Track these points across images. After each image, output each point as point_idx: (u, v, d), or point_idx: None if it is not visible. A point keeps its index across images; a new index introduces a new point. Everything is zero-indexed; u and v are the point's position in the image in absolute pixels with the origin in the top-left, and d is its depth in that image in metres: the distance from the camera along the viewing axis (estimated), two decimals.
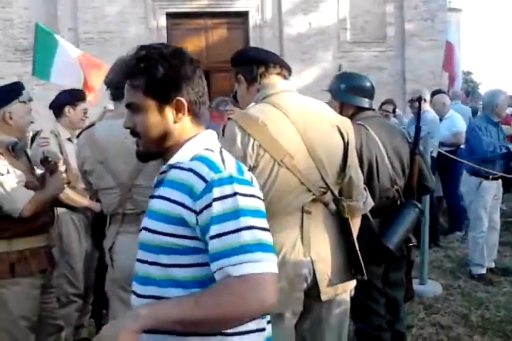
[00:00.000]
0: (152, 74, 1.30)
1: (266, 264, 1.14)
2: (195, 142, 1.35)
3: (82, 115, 3.44)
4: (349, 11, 11.40)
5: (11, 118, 2.53)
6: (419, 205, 2.68)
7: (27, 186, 2.48)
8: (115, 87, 2.34)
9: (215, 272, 1.17)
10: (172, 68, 1.31)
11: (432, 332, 3.63)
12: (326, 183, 1.98)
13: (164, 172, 1.36)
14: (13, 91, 2.57)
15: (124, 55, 2.40)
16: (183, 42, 11.22)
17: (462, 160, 4.84)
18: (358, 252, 2.05)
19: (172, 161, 1.33)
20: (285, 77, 2.11)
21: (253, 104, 2.09)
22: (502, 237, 5.91)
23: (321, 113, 2.06)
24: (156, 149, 1.37)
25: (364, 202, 2.14)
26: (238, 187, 1.21)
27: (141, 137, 1.36)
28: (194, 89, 1.35)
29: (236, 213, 1.18)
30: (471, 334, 3.63)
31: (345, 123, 2.10)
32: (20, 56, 10.16)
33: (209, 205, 1.19)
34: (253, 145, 1.89)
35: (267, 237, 1.19)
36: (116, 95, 2.35)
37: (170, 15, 10.89)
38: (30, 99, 2.63)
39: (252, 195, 1.23)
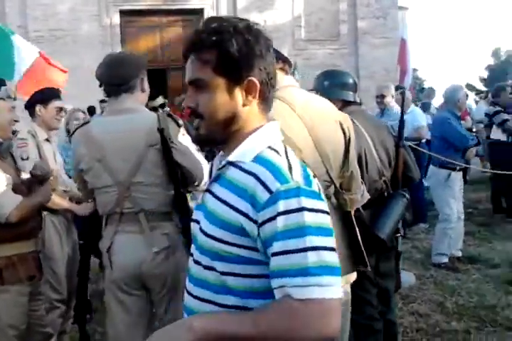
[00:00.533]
0: (225, 49, 1.16)
1: (332, 289, 1.06)
2: (259, 136, 1.21)
3: (55, 114, 3.30)
4: (303, 9, 11.52)
5: None
6: (407, 195, 2.75)
7: (14, 190, 2.39)
8: (107, 83, 2.31)
9: (275, 289, 1.10)
10: (246, 44, 1.17)
11: (411, 321, 3.73)
12: (331, 177, 2.00)
13: (222, 167, 1.23)
14: None
15: (114, 52, 2.40)
16: (137, 40, 11.06)
17: (432, 154, 4.98)
18: (361, 244, 2.08)
19: (232, 158, 1.20)
20: (287, 72, 2.11)
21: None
22: (465, 227, 6.13)
23: (324, 108, 2.08)
24: (220, 134, 1.22)
25: (361, 194, 2.18)
26: (305, 201, 1.09)
27: (203, 118, 1.21)
28: (266, 69, 1.21)
29: (302, 230, 1.07)
30: (449, 320, 3.75)
31: (347, 120, 2.13)
32: None
33: (273, 218, 1.09)
34: None
35: (333, 259, 1.09)
36: (110, 91, 2.31)
37: (124, 13, 10.70)
38: (10, 97, 2.52)
39: (319, 211, 1.11)
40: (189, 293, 1.27)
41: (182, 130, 2.33)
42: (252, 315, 1.11)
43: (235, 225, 1.14)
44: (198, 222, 1.26)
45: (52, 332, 2.66)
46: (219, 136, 1.23)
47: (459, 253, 5.11)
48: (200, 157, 2.37)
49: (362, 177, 2.60)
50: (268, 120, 1.26)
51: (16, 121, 2.58)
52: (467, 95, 5.60)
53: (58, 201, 3.06)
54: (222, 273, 1.17)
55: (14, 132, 3.26)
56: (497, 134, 6.71)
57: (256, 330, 1.07)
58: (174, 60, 10.66)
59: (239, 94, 1.20)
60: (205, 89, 1.20)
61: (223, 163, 1.22)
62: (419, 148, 5.35)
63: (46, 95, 3.34)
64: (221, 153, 1.30)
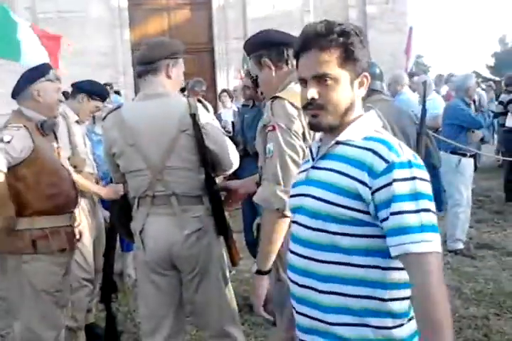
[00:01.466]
0: (351, 48, 1.37)
1: (438, 244, 1.26)
2: (364, 122, 1.42)
3: (92, 111, 3.33)
4: None
5: (39, 95, 2.56)
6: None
7: None
8: (136, 63, 2.36)
9: (392, 246, 1.27)
10: (362, 43, 1.39)
11: None
12: None
13: (330, 146, 1.42)
14: (40, 70, 2.62)
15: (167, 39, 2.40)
16: (145, 23, 10.96)
17: (447, 139, 4.98)
18: None
19: (341, 138, 1.40)
20: None
21: (293, 83, 2.02)
22: (478, 214, 6.18)
23: None
24: (339, 121, 1.41)
25: None
26: (416, 172, 1.30)
27: (323, 108, 1.39)
28: (368, 65, 1.44)
29: (415, 195, 1.27)
30: (467, 306, 3.78)
31: None
32: None
33: (389, 184, 1.28)
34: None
35: (435, 220, 1.29)
36: (138, 72, 2.35)
37: None
38: (58, 79, 2.64)
39: (426, 180, 1.32)
40: (293, 252, 1.45)
41: (211, 115, 2.34)
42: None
43: (352, 191, 1.32)
44: (304, 195, 1.44)
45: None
46: (336, 123, 1.41)
47: (464, 238, 5.17)
48: (230, 144, 2.38)
49: None
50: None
51: (60, 101, 2.72)
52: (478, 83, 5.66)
53: (85, 183, 3.08)
54: (334, 233, 1.35)
55: None
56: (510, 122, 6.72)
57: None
58: (183, 43, 10.59)
59: (356, 86, 1.41)
60: (329, 83, 1.38)
61: (332, 142, 1.41)
62: (436, 135, 5.33)
63: (95, 90, 3.37)
64: (317, 139, 1.52)
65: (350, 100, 1.40)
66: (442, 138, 5.03)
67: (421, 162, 1.35)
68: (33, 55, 5.23)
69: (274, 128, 1.91)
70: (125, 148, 2.29)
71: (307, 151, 1.64)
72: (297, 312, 1.46)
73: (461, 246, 4.98)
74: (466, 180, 5.00)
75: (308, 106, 1.41)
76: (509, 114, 6.76)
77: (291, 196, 1.53)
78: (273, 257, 1.93)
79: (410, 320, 1.36)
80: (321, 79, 1.38)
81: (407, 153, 1.33)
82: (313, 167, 1.45)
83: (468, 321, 3.54)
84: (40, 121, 2.56)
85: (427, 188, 1.30)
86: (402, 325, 1.34)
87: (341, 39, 1.36)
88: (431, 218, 1.27)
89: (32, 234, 2.48)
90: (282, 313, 2.05)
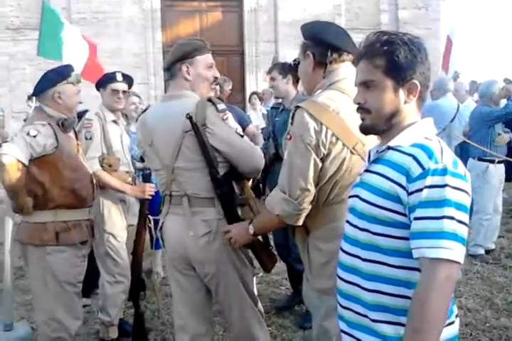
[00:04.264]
0: (394, 56, 1.43)
1: (457, 253, 1.28)
2: (416, 129, 1.46)
3: (112, 95, 3.31)
4: None
5: (59, 97, 2.64)
6: None
7: None
8: (166, 69, 2.38)
9: (413, 249, 1.33)
10: (411, 52, 1.43)
11: (460, 315, 3.67)
12: None
13: (382, 151, 1.48)
14: (62, 73, 2.68)
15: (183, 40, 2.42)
16: (176, 24, 11.07)
17: (476, 145, 4.90)
18: None
19: (392, 144, 1.45)
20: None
21: (319, 91, 2.02)
22: (510, 224, 6.05)
23: None
24: (383, 125, 1.48)
25: None
26: (450, 180, 1.32)
27: (370, 112, 1.48)
28: (424, 74, 1.46)
29: (442, 202, 1.30)
30: (497, 316, 3.69)
31: None
32: (12, 35, 9.86)
33: (420, 190, 1.33)
34: (326, 133, 1.86)
35: (463, 231, 1.31)
36: (168, 77, 2.37)
37: None
38: (79, 81, 2.72)
39: (461, 190, 1.33)
40: (342, 250, 1.55)
41: (222, 115, 2.24)
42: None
43: (392, 194, 1.39)
44: (356, 196, 1.52)
45: None
46: (381, 127, 1.49)
47: (493, 246, 5.11)
48: (248, 145, 2.27)
49: None
50: (422, 116, 1.52)
51: (80, 102, 2.80)
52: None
53: (110, 181, 3.13)
54: (375, 234, 1.42)
55: (85, 112, 3.38)
56: None
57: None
58: (213, 45, 10.64)
59: (402, 93, 1.46)
60: (375, 89, 1.46)
61: (383, 147, 1.48)
62: (467, 141, 5.25)
63: (103, 79, 3.40)
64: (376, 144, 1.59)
65: (394, 106, 1.46)
66: (473, 143, 4.96)
67: (462, 171, 1.37)
68: (74, 54, 5.37)
69: (290, 138, 1.91)
70: (146, 148, 2.35)
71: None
72: (342, 306, 1.54)
73: (481, 251, 4.93)
74: (492, 188, 4.94)
75: (358, 110, 1.51)
76: None
77: (349, 197, 1.59)
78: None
79: (450, 324, 1.39)
80: (366, 85, 1.48)
81: (446, 161, 1.35)
82: (366, 170, 1.54)
83: (500, 331, 3.47)
84: (61, 119, 2.64)
85: (459, 197, 1.32)
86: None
87: (385, 48, 1.43)
88: (455, 227, 1.29)
89: (56, 226, 2.58)
90: (314, 316, 2.06)
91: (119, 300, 3.18)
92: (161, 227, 2.36)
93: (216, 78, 2.39)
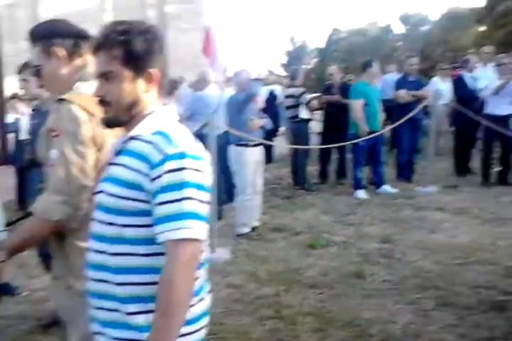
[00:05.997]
0: (131, 47, 1.44)
1: (198, 231, 1.36)
2: (156, 117, 1.49)
3: None
4: None
5: None
6: None
7: None
8: None
9: (157, 234, 1.37)
10: (148, 42, 1.46)
11: (229, 293, 3.97)
12: None
13: (124, 142, 1.49)
14: None
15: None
16: None
17: (236, 132, 5.28)
18: None
19: (133, 133, 1.47)
20: None
21: (79, 83, 1.93)
22: (270, 201, 6.72)
23: None
24: (125, 116, 1.49)
25: None
26: (188, 162, 1.38)
27: (110, 105, 1.48)
28: (162, 62, 1.51)
29: (181, 185, 1.36)
30: (261, 287, 4.07)
31: None
32: None
33: (160, 176, 1.37)
34: (98, 123, 1.74)
35: (203, 209, 1.39)
36: None
37: None
38: None
39: (199, 170, 1.40)
40: (91, 249, 1.52)
41: None
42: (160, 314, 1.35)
43: (135, 183, 1.41)
44: (102, 192, 1.50)
45: None
46: (123, 118, 1.50)
47: (257, 224, 5.53)
48: None
49: None
50: (163, 104, 1.55)
51: None
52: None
53: None
54: (122, 226, 1.43)
55: None
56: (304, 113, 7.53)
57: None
58: None
59: (141, 82, 1.49)
60: (113, 80, 1.46)
61: (125, 138, 1.49)
62: (229, 130, 5.61)
63: None
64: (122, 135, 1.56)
65: (134, 96, 1.48)
66: (232, 130, 5.22)
67: (200, 153, 1.44)
68: None
69: (59, 134, 1.79)
70: None
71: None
72: (94, 307, 1.52)
73: (246, 230, 5.34)
74: (249, 170, 5.24)
75: (99, 103, 1.50)
76: (300, 106, 7.45)
77: (95, 193, 1.55)
78: None
79: (201, 300, 1.51)
80: (105, 76, 1.47)
81: (185, 145, 1.40)
82: (110, 163, 1.52)
83: (261, 300, 3.81)
84: None
85: (197, 178, 1.38)
86: (192, 305, 1.44)
87: (122, 38, 1.44)
88: (194, 206, 1.36)
89: None
90: (75, 324, 1.93)
91: None
92: None
93: None
